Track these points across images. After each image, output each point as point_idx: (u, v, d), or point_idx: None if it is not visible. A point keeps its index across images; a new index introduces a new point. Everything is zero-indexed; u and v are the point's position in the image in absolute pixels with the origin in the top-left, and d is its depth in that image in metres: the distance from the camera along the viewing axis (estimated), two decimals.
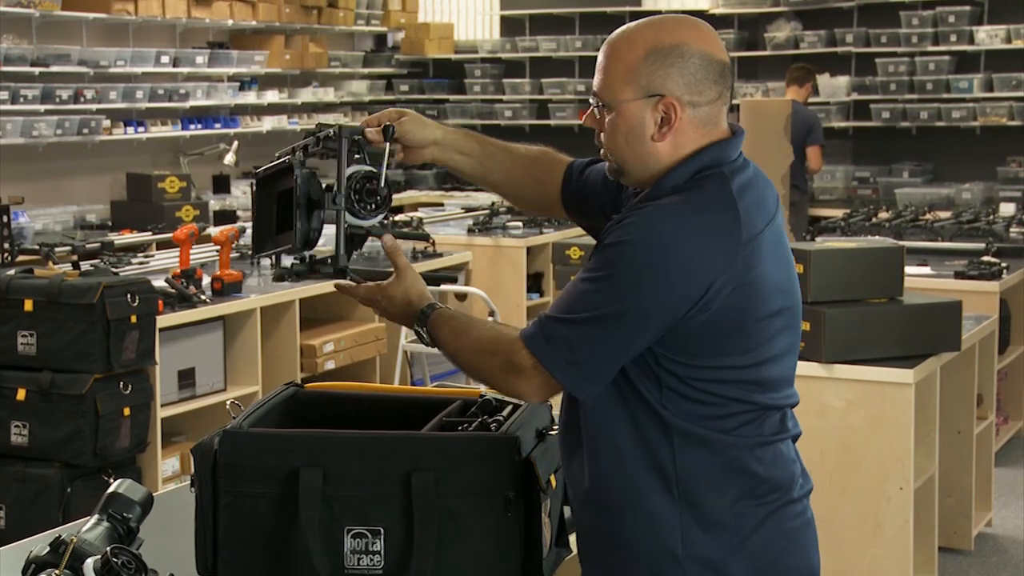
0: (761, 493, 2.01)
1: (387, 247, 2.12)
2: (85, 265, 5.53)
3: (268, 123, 10.39)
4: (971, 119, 9.80)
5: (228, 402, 2.38)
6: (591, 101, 2.07)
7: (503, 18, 11.99)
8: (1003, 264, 6.06)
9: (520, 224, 7.92)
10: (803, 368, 4.11)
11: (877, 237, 6.87)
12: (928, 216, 7.76)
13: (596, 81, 2.05)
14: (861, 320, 4.19)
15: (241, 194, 9.51)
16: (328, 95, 11.10)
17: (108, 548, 1.92)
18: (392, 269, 2.14)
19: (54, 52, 8.47)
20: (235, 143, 8.77)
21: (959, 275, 5.94)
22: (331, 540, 2.04)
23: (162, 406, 5.03)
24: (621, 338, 1.94)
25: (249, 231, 3.46)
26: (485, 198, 8.98)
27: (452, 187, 10.79)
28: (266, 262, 5.31)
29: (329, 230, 2.13)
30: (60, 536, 1.96)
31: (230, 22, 9.88)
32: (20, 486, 4.58)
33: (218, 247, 5.70)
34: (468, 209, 8.87)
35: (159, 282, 5.15)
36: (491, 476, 2.06)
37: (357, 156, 2.12)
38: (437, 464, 2.05)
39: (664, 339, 1.95)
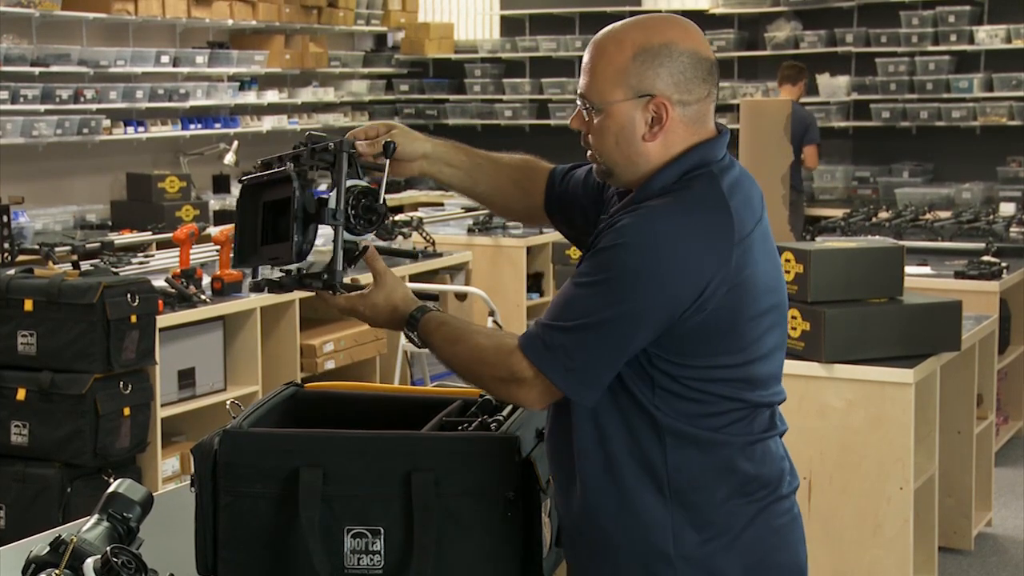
0: (751, 490, 2.02)
1: (366, 254, 2.10)
2: (85, 265, 5.53)
3: (268, 123, 10.39)
4: (971, 119, 9.80)
5: (228, 402, 2.38)
6: (578, 103, 2.06)
7: (503, 18, 11.99)
8: (1003, 264, 6.06)
9: (520, 224, 7.92)
10: (803, 368, 4.16)
11: (877, 237, 6.87)
12: (928, 216, 7.76)
13: (583, 83, 2.04)
14: (861, 320, 4.19)
15: None
16: (328, 95, 11.10)
17: (108, 548, 1.92)
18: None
19: (54, 52, 8.48)
20: (235, 143, 8.78)
21: (959, 275, 5.94)
22: (331, 540, 2.04)
23: (162, 406, 5.03)
24: (619, 341, 1.93)
25: None
26: None
27: None
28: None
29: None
30: (60, 536, 1.96)
31: (230, 22, 9.88)
32: (20, 486, 4.58)
33: (218, 247, 5.70)
34: (468, 209, 8.87)
35: (159, 282, 5.15)
36: (491, 476, 2.06)
37: (349, 170, 2.09)
38: (437, 464, 2.05)
39: (659, 340, 1.95)
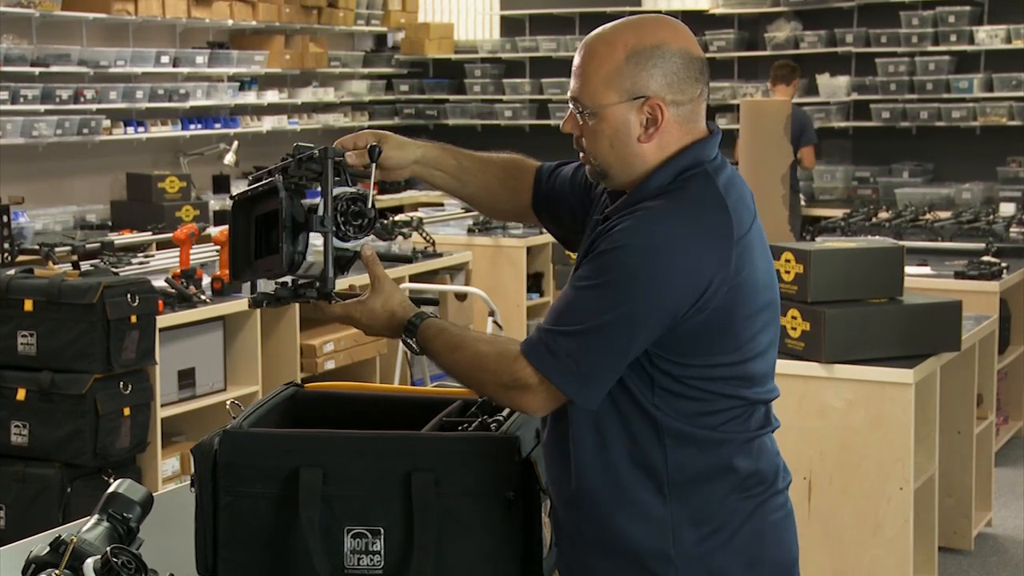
0: (748, 486, 2.03)
1: (365, 257, 2.09)
2: (85, 265, 5.53)
3: (268, 123, 10.39)
4: (971, 119, 9.80)
5: (228, 402, 2.38)
6: (571, 106, 2.05)
7: (503, 18, 11.99)
8: (1003, 264, 6.06)
9: (520, 225, 7.92)
10: (803, 368, 4.16)
11: (877, 237, 6.87)
12: (928, 216, 7.76)
13: (575, 86, 2.03)
14: (861, 320, 4.19)
15: None
16: (328, 95, 11.10)
17: (108, 548, 1.92)
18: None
19: (54, 52, 8.47)
20: (235, 143, 8.78)
21: (959, 275, 5.94)
22: (331, 540, 2.04)
23: (162, 406, 5.03)
24: (623, 344, 1.94)
25: None
26: None
27: None
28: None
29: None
30: (60, 536, 1.96)
31: (230, 22, 9.88)
32: (20, 486, 4.58)
33: (218, 247, 5.70)
34: (468, 209, 8.87)
35: (159, 282, 5.15)
36: (491, 476, 2.06)
37: (338, 178, 2.08)
38: (437, 464, 2.05)
39: (660, 339, 1.95)
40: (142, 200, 8.03)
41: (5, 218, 6.51)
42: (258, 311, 5.46)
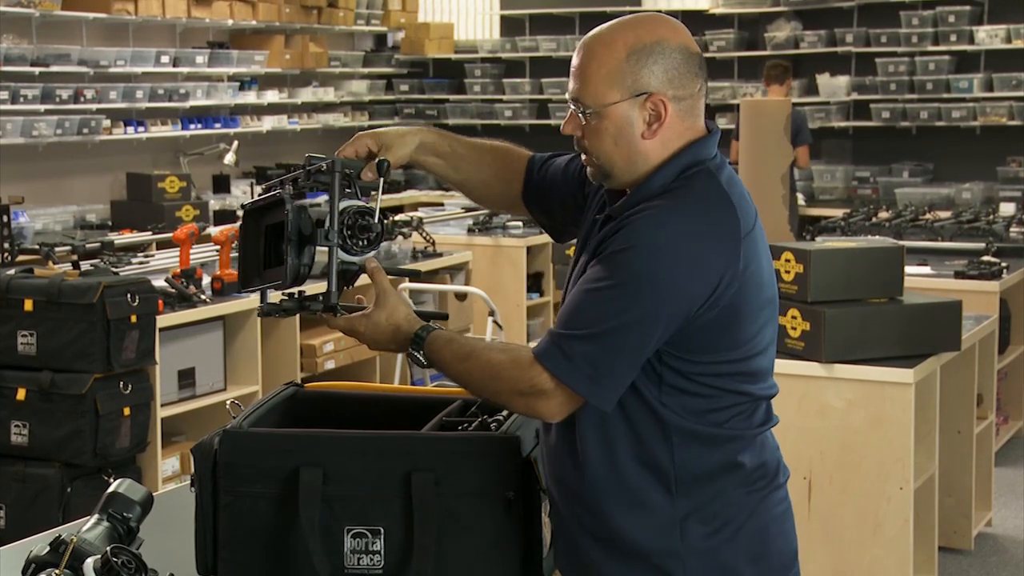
0: (752, 480, 2.05)
1: (370, 269, 2.09)
2: (85, 265, 5.53)
3: (268, 123, 10.39)
4: (971, 119, 9.80)
5: (228, 402, 2.38)
6: (571, 107, 2.05)
7: (503, 18, 11.99)
8: (1003, 264, 6.06)
9: (520, 224, 7.92)
10: (803, 368, 4.16)
11: (877, 237, 6.87)
12: (928, 216, 7.76)
13: (575, 87, 2.03)
14: (861, 320, 4.19)
15: (241, 194, 9.51)
16: (328, 95, 11.10)
17: (108, 548, 1.92)
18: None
19: (54, 52, 8.47)
20: (235, 143, 8.78)
21: (959, 275, 5.94)
22: (331, 540, 2.04)
23: (162, 406, 5.03)
24: (637, 344, 1.94)
25: None
26: None
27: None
28: None
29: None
30: (60, 536, 1.96)
31: (230, 22, 9.88)
32: (20, 486, 4.58)
33: (218, 247, 5.70)
34: (468, 209, 8.87)
35: (159, 282, 5.15)
36: (491, 476, 2.06)
37: (348, 190, 2.08)
38: (437, 464, 2.05)
39: (671, 337, 1.96)
40: (142, 200, 8.03)
41: (5, 218, 6.51)
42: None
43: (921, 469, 4.31)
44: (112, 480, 2.27)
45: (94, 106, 8.69)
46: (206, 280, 5.45)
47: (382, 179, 2.12)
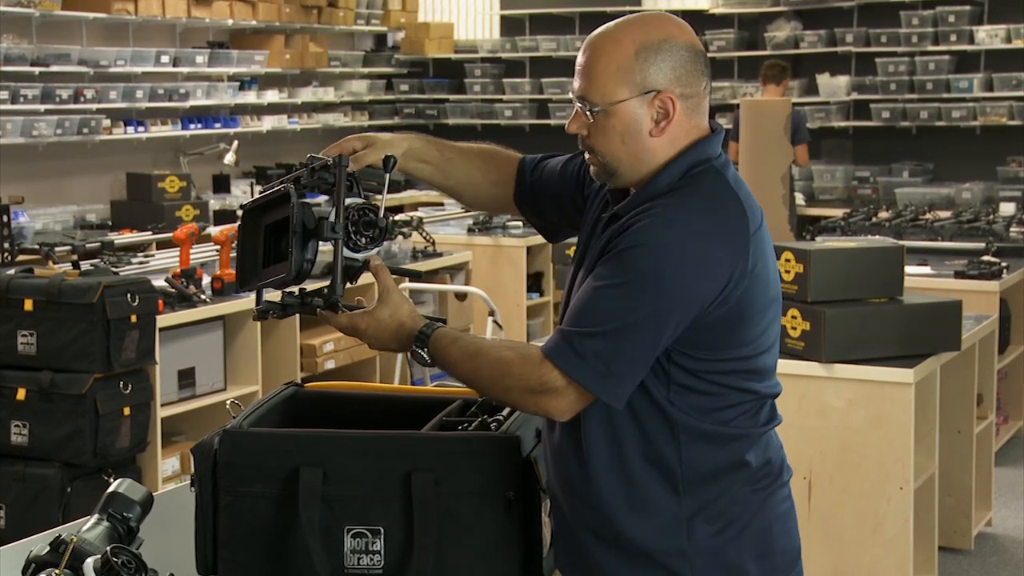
0: (757, 479, 2.06)
1: (373, 267, 2.08)
2: (85, 265, 5.53)
3: (268, 123, 10.39)
4: (971, 119, 9.80)
5: (228, 402, 2.38)
6: (577, 106, 2.05)
7: (503, 18, 11.99)
8: (1003, 264, 6.06)
9: (520, 224, 7.91)
10: (803, 368, 4.16)
11: (877, 237, 6.87)
12: (928, 216, 7.76)
13: (581, 85, 2.03)
14: (861, 320, 4.19)
15: (241, 193, 9.51)
16: (328, 95, 11.10)
17: (108, 548, 1.92)
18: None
19: (54, 52, 8.47)
20: (235, 143, 8.77)
21: (959, 275, 5.94)
22: (331, 540, 2.04)
23: (162, 406, 5.03)
24: (649, 341, 1.94)
25: None
26: None
27: None
28: None
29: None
30: (60, 536, 1.96)
31: (230, 22, 9.88)
32: (20, 486, 4.58)
33: (218, 247, 5.70)
34: (468, 209, 8.86)
35: (159, 282, 5.15)
36: (491, 476, 2.06)
37: (351, 189, 2.07)
38: (437, 464, 2.05)
39: (680, 334, 1.96)
40: (142, 200, 8.03)
41: (5, 218, 6.51)
42: None
43: (921, 469, 4.31)
44: (112, 480, 2.27)
45: (94, 106, 8.69)
46: (206, 280, 5.45)
47: (387, 175, 2.12)
